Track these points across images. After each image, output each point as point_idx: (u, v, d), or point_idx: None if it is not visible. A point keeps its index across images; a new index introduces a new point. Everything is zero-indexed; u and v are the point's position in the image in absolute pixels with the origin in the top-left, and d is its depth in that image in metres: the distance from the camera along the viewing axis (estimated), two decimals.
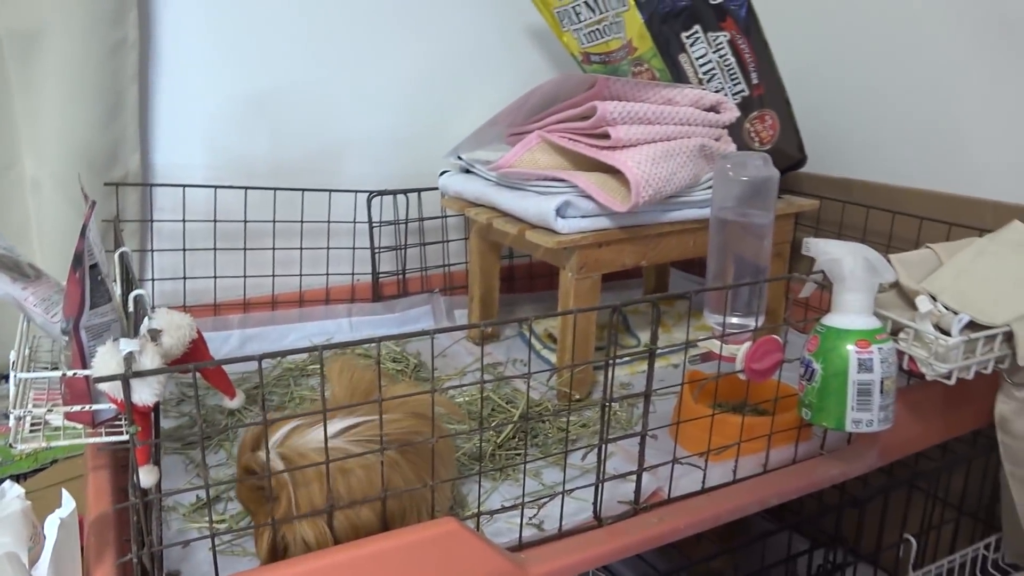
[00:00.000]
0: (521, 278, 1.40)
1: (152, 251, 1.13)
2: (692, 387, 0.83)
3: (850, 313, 0.72)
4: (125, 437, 0.63)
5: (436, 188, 1.21)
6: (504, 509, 0.69)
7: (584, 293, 0.95)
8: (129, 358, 0.50)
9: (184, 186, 1.12)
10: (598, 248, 0.95)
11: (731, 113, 1.01)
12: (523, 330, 1.22)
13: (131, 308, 0.65)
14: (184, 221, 1.12)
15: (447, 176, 1.17)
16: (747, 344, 0.75)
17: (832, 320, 0.73)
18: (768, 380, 0.78)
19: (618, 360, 1.09)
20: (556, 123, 1.01)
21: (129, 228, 1.11)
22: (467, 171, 1.15)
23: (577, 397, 0.98)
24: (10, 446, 0.60)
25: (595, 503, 0.71)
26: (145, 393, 0.50)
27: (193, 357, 0.59)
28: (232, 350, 1.15)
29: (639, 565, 1.05)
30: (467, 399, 0.98)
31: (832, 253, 0.73)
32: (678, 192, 0.96)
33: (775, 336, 0.75)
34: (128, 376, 0.48)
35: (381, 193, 1.24)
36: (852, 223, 1.15)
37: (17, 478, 0.83)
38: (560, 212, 0.92)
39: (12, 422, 0.62)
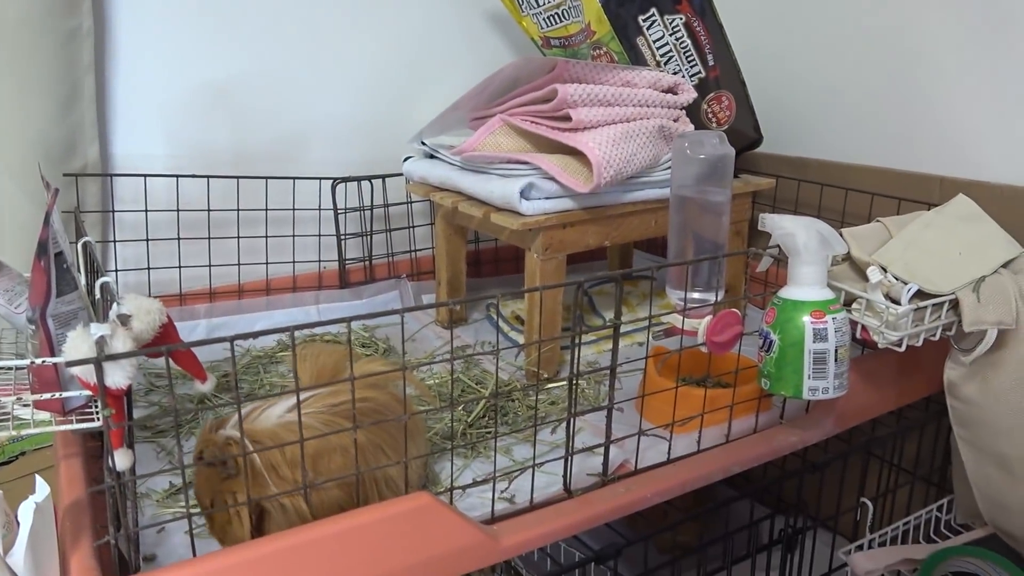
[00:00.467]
0: (487, 262, 1.42)
1: (115, 242, 1.12)
2: (656, 361, 0.86)
3: (805, 285, 0.75)
4: (96, 423, 0.64)
5: (400, 174, 1.21)
6: (476, 483, 0.70)
7: (550, 273, 0.97)
8: (101, 341, 0.50)
9: (145, 176, 1.11)
10: (562, 229, 0.97)
11: (688, 94, 1.03)
12: (491, 313, 1.24)
13: (98, 296, 0.65)
14: (146, 211, 1.12)
15: (411, 162, 1.18)
16: (708, 318, 0.77)
17: (788, 292, 0.76)
18: (728, 352, 0.81)
19: (584, 338, 1.11)
20: (518, 106, 1.02)
21: (90, 220, 1.09)
22: (431, 156, 1.16)
23: (545, 375, 1.00)
24: None
25: (565, 476, 0.73)
26: (118, 376, 0.50)
27: (163, 342, 0.59)
28: (200, 339, 1.14)
29: (609, 536, 1.07)
30: (437, 381, 0.99)
31: (787, 228, 0.76)
32: (639, 172, 0.98)
33: (734, 310, 0.78)
34: (101, 359, 0.49)
35: (345, 180, 1.24)
36: (807, 200, 1.19)
37: None
38: (524, 194, 0.93)
39: None
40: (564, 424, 0.84)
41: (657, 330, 0.87)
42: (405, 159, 1.19)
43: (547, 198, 0.95)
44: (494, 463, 0.70)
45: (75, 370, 0.51)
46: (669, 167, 1.02)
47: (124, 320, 0.57)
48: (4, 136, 1.02)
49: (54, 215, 0.65)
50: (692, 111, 1.08)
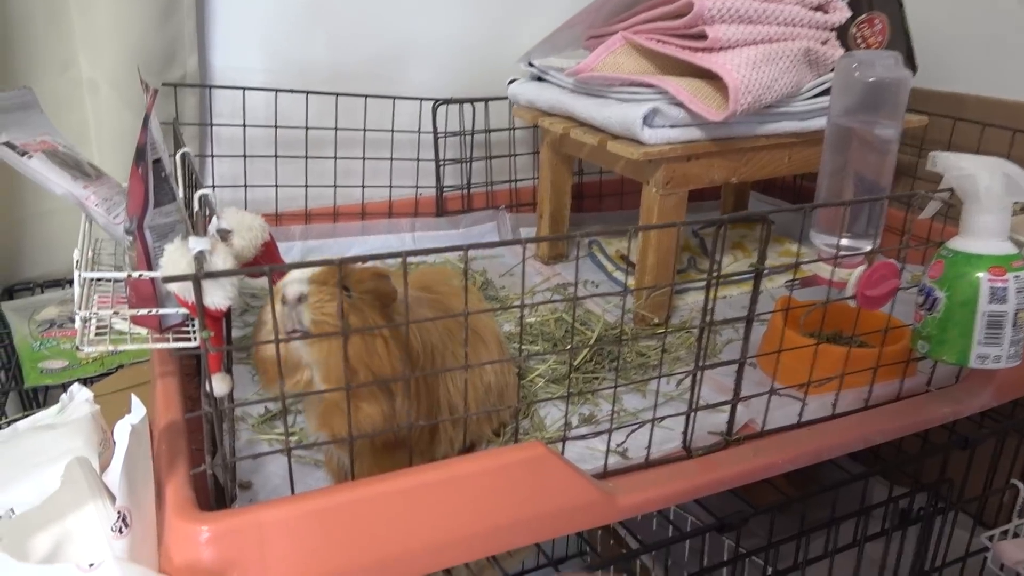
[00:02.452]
0: (590, 196, 1.33)
1: (212, 157, 1.09)
2: (795, 314, 0.77)
3: (982, 237, 0.64)
4: (193, 344, 0.60)
5: (504, 98, 1.13)
6: (592, 434, 0.64)
7: (669, 210, 0.88)
8: (200, 257, 0.45)
9: (244, 89, 1.06)
10: (686, 161, 0.87)
11: (841, 13, 0.90)
12: (593, 250, 1.16)
13: (196, 209, 0.61)
14: (244, 126, 1.08)
15: (517, 84, 1.09)
16: (859, 269, 0.68)
17: (961, 244, 0.65)
18: (877, 309, 0.71)
19: (694, 283, 1.02)
20: (643, 23, 0.92)
21: (187, 133, 1.06)
22: (539, 79, 1.07)
23: (656, 320, 0.93)
24: (76, 348, 0.57)
25: (685, 433, 0.66)
26: (218, 296, 0.45)
27: (265, 261, 0.54)
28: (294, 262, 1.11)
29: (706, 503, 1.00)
30: (539, 319, 0.93)
31: (966, 168, 0.65)
32: (778, 101, 0.88)
33: (891, 261, 0.68)
34: (200, 276, 0.44)
35: (447, 102, 1.17)
36: (963, 143, 1.05)
37: (84, 382, 0.81)
38: (647, 121, 0.84)
39: (78, 324, 0.59)
40: (684, 376, 0.77)
41: (789, 279, 0.77)
42: (510, 82, 1.11)
43: (672, 126, 0.85)
44: (612, 414, 0.64)
45: (172, 287, 0.46)
46: (814, 96, 0.90)
47: (224, 236, 0.52)
48: (103, 44, 0.99)
49: (152, 121, 0.60)
50: (839, 35, 0.95)
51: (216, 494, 0.56)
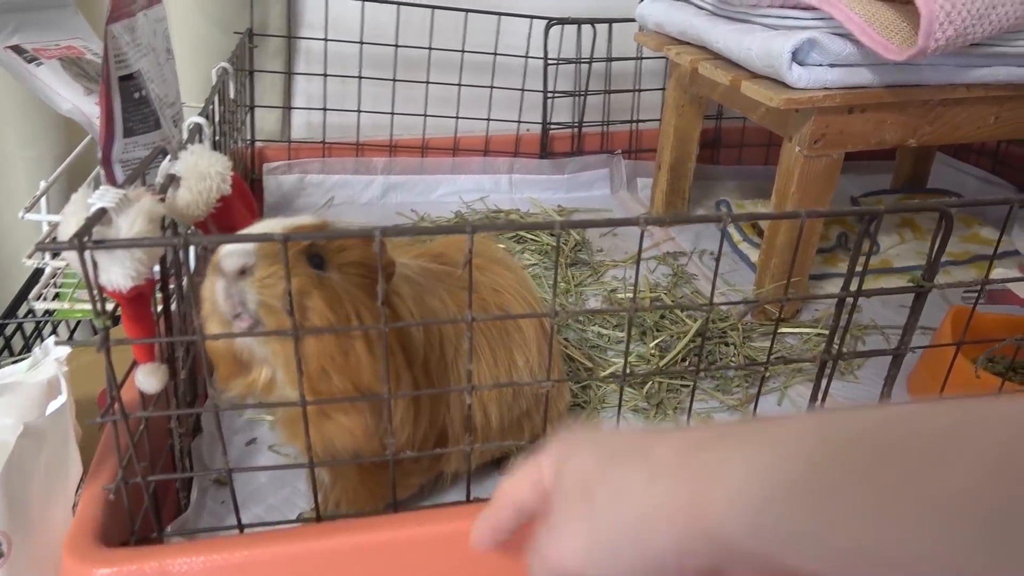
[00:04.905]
0: (729, 146, 1.11)
1: (289, 74, 0.98)
2: (971, 338, 0.55)
3: None
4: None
5: (632, 19, 0.94)
6: None
7: (814, 178, 0.68)
8: (96, 218, 0.33)
9: None
10: (847, 114, 0.66)
11: None
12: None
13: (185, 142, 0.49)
14: (326, 40, 0.95)
15: (649, 2, 0.89)
16: None
17: None
18: None
19: (832, 270, 0.81)
20: None
21: (272, 47, 0.95)
22: None
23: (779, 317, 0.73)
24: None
25: None
26: (115, 273, 0.33)
27: (220, 223, 0.41)
28: (373, 199, 1.00)
29: None
30: (627, 296, 0.76)
31: None
32: (991, 38, 0.63)
33: None
34: (83, 246, 0.32)
35: (562, 21, 0.99)
36: None
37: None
38: (799, 55, 0.63)
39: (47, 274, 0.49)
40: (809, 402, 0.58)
41: (969, 289, 0.56)
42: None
43: (832, 65, 0.64)
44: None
45: (67, 255, 0.34)
46: None
47: (167, 184, 0.39)
48: None
49: (136, 23, 0.48)
50: None
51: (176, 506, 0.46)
